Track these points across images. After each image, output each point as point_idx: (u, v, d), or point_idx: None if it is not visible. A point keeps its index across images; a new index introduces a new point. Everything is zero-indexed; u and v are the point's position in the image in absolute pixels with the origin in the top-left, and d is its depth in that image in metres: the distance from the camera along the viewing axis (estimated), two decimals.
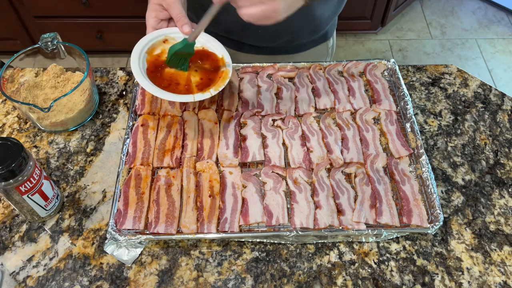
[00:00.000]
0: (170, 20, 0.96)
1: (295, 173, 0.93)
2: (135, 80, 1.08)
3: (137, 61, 0.91)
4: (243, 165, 0.96)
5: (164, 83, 0.91)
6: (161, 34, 0.95)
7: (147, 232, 0.85)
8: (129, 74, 1.15)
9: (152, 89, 0.87)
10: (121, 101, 1.10)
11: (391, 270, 0.84)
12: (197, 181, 0.92)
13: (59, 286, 0.82)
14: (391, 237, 0.86)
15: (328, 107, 1.05)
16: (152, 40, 0.94)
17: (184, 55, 0.92)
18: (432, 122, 1.06)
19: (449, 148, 1.01)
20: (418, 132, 0.97)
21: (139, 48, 0.93)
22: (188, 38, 0.89)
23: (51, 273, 0.83)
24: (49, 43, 1.03)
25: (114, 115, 1.07)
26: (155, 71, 0.93)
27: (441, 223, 0.84)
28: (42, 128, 1.02)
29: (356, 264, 0.84)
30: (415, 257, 0.85)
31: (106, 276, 0.83)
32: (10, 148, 0.77)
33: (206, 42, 0.97)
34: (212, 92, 0.89)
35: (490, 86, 1.13)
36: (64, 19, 2.34)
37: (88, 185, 0.95)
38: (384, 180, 0.92)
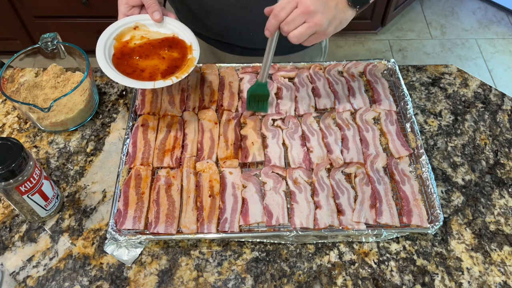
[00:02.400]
0: (142, 7, 0.96)
1: (295, 173, 0.93)
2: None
3: (103, 46, 0.91)
4: (243, 165, 0.96)
5: (129, 69, 0.91)
6: (132, 21, 0.95)
7: (147, 232, 0.85)
8: None
9: (112, 74, 0.87)
10: (121, 101, 1.10)
11: (391, 270, 0.84)
12: (197, 181, 0.92)
13: (59, 286, 0.82)
14: (391, 237, 0.86)
15: (328, 107, 1.05)
16: (122, 26, 0.95)
17: (260, 97, 0.94)
18: (432, 122, 1.06)
19: (449, 148, 1.01)
20: (418, 132, 0.97)
21: (107, 34, 0.94)
22: (258, 78, 0.92)
23: (51, 273, 0.83)
24: (49, 43, 1.03)
25: (114, 115, 1.07)
26: (121, 58, 0.93)
27: (441, 223, 0.84)
28: (42, 128, 1.02)
29: (356, 264, 0.84)
30: (415, 257, 0.85)
31: (106, 276, 0.83)
32: (10, 148, 0.77)
33: (177, 29, 0.97)
34: (173, 79, 0.89)
35: (490, 86, 1.13)
36: (64, 19, 2.33)
37: (88, 185, 0.95)
38: (384, 180, 0.92)
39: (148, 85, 0.87)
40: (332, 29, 0.81)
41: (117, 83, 1.13)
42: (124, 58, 0.93)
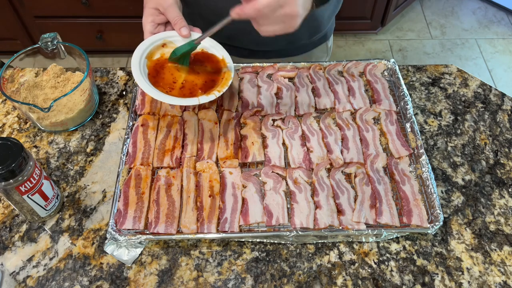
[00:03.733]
0: (167, 24, 0.95)
1: (295, 173, 0.93)
2: (135, 81, 1.08)
3: (137, 67, 0.89)
4: (243, 165, 0.96)
5: (167, 87, 0.91)
6: (160, 39, 0.94)
7: (147, 232, 0.85)
8: (129, 74, 1.15)
9: (158, 95, 0.86)
10: (121, 101, 1.10)
11: (391, 270, 0.84)
12: (197, 181, 0.92)
13: (59, 286, 0.82)
14: (391, 237, 0.86)
15: (328, 107, 1.05)
16: (151, 45, 0.93)
17: (188, 52, 0.91)
18: (432, 122, 1.06)
19: (449, 148, 1.01)
20: (418, 132, 0.97)
21: (139, 54, 0.92)
22: (195, 40, 0.89)
23: (51, 273, 0.83)
24: (49, 43, 1.03)
25: (114, 115, 1.07)
26: (156, 76, 0.92)
27: (441, 223, 0.84)
28: (42, 128, 1.02)
29: (356, 264, 0.84)
30: (415, 257, 0.85)
31: (106, 276, 0.83)
32: (10, 148, 0.77)
33: (205, 43, 0.96)
34: (216, 94, 0.89)
35: (490, 86, 1.13)
36: (64, 19, 2.34)
37: (88, 185, 0.95)
38: (384, 180, 0.92)
39: (193, 101, 0.87)
40: (299, 22, 0.79)
41: (121, 85, 1.13)
42: (159, 76, 0.92)
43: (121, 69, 1.17)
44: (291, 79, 1.11)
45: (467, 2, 3.04)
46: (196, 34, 0.95)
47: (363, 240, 0.86)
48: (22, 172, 0.78)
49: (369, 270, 0.84)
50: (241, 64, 1.12)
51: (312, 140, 0.98)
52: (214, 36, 1.16)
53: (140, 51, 0.92)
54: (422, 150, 0.94)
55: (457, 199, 0.93)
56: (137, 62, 0.90)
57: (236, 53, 1.18)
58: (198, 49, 0.96)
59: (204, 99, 0.88)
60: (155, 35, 0.94)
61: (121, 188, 0.90)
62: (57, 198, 0.89)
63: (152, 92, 0.86)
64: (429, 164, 0.92)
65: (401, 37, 2.83)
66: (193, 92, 0.91)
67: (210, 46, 0.96)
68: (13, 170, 0.76)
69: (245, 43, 1.15)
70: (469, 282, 0.82)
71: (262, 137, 0.99)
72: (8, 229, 0.89)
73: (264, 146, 0.98)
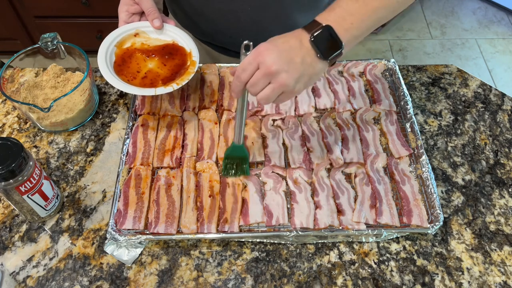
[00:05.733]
0: (142, 14, 0.97)
1: (295, 173, 0.93)
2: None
3: (104, 54, 0.93)
4: None
5: (130, 76, 0.93)
6: (132, 28, 0.97)
7: (147, 232, 0.85)
8: None
9: (115, 82, 0.89)
10: (121, 101, 1.10)
11: (391, 270, 0.84)
12: (197, 181, 0.92)
13: (59, 286, 0.82)
14: (391, 237, 0.86)
15: (328, 107, 1.05)
16: (122, 33, 0.96)
17: (239, 160, 0.91)
18: (432, 122, 1.06)
19: (449, 148, 1.01)
20: (418, 132, 0.97)
21: (108, 42, 0.95)
22: (234, 140, 0.89)
23: (51, 273, 0.83)
24: (49, 43, 1.03)
25: (114, 115, 1.07)
26: (122, 65, 0.94)
27: (441, 223, 0.84)
28: (42, 128, 1.02)
29: (356, 264, 0.84)
30: (415, 257, 0.85)
31: (106, 276, 0.83)
32: (10, 148, 0.77)
33: (177, 36, 0.98)
34: (174, 86, 0.90)
35: (490, 86, 1.13)
36: (64, 19, 2.33)
37: (88, 185, 0.95)
38: (384, 180, 0.92)
39: (150, 92, 0.89)
40: (301, 86, 0.74)
41: None
42: (125, 65, 0.94)
43: None
44: None
45: (467, 2, 3.04)
46: (169, 26, 0.96)
47: (363, 240, 0.86)
48: (22, 172, 0.78)
49: (369, 270, 0.84)
50: None
51: (312, 140, 0.98)
52: (197, 36, 1.17)
53: (110, 39, 0.95)
54: (422, 150, 0.94)
55: (457, 199, 0.93)
56: (105, 49, 0.94)
57: (220, 50, 1.18)
58: (170, 40, 0.98)
59: (161, 90, 0.89)
60: (128, 24, 0.96)
61: (121, 188, 0.90)
62: (57, 198, 0.89)
63: (111, 78, 0.89)
64: (429, 164, 0.92)
65: (401, 37, 2.83)
66: (154, 82, 0.92)
67: (181, 38, 0.98)
68: (13, 170, 0.76)
69: (228, 44, 1.15)
70: (469, 282, 0.82)
71: (262, 137, 0.99)
72: (8, 229, 0.89)
73: (264, 146, 0.98)
